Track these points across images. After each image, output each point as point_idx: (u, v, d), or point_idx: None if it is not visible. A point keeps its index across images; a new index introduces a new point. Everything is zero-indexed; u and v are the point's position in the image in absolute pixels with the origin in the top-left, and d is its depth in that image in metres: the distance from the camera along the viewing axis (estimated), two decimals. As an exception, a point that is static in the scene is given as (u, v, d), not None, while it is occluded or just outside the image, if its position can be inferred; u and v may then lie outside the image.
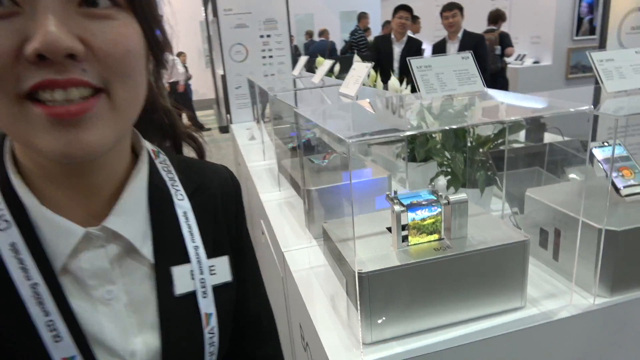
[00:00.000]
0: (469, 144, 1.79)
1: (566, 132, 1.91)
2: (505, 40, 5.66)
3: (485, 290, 0.98)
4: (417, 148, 1.95)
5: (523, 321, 0.98)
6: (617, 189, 1.15)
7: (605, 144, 1.20)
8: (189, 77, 8.63)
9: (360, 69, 1.50)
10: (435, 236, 1.00)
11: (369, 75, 2.40)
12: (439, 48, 4.45)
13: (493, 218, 1.10)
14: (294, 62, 3.42)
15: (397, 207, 0.95)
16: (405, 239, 0.99)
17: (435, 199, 0.98)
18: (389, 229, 1.07)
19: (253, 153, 2.56)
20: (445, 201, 0.98)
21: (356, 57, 2.55)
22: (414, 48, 4.47)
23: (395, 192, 0.97)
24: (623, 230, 0.99)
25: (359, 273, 0.89)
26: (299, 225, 1.56)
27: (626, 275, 1.03)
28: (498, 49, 5.55)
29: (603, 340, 1.05)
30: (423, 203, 0.97)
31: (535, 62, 7.11)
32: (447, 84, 1.13)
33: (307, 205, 1.40)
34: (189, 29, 10.90)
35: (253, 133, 2.95)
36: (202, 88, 11.15)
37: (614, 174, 1.16)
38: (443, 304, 0.96)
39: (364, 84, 2.24)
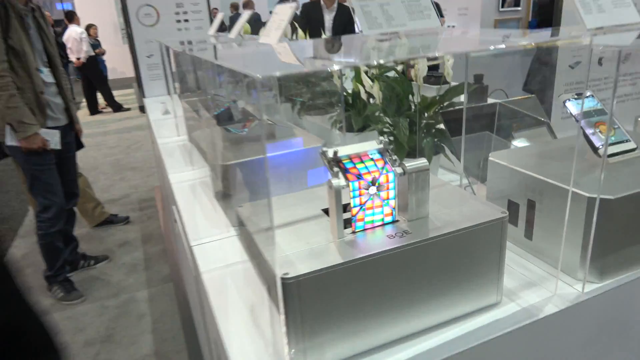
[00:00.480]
0: (412, 108, 1.56)
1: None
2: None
3: (454, 286, 0.74)
4: (355, 115, 1.69)
5: (502, 323, 0.75)
6: (594, 149, 0.95)
7: (575, 96, 1.00)
8: (102, 52, 7.82)
9: (284, 11, 1.20)
10: (388, 217, 0.74)
11: (296, 33, 2.09)
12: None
13: (456, 190, 0.86)
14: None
15: (335, 181, 0.67)
16: (348, 223, 0.72)
17: (388, 162, 0.71)
18: (326, 211, 0.80)
19: (166, 128, 2.19)
20: (399, 170, 0.72)
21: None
22: (345, 16, 4.21)
23: (336, 153, 0.69)
24: (618, 198, 0.79)
25: (283, 279, 0.61)
26: (215, 210, 1.25)
27: (620, 254, 0.83)
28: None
29: (597, 337, 0.85)
30: (372, 171, 0.70)
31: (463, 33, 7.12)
32: (395, 18, 0.86)
33: (223, 185, 1.09)
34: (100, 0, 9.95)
35: (167, 107, 2.56)
36: (120, 66, 10.25)
37: (590, 131, 0.96)
38: (400, 310, 0.71)
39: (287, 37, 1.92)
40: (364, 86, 1.64)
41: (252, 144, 1.25)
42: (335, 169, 0.68)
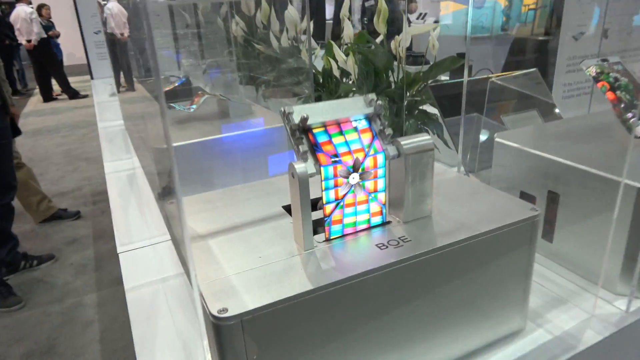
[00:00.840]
0: (392, 85, 1.35)
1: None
2: (406, -4, 5.37)
3: (467, 311, 0.53)
4: (326, 96, 1.47)
5: (529, 358, 0.55)
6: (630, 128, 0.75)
7: (601, 62, 0.80)
8: (56, 35, 7.29)
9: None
10: (376, 218, 0.52)
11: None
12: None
13: (464, 179, 0.65)
14: None
15: (300, 166, 0.45)
16: (320, 227, 0.50)
17: (377, 137, 0.49)
18: (289, 210, 0.57)
19: (111, 111, 1.91)
20: (392, 150, 0.50)
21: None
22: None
23: (305, 119, 0.46)
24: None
25: (216, 318, 0.38)
26: (154, 207, 1.00)
27: (675, 262, 0.64)
28: (402, 4, 5.25)
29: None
30: (355, 150, 0.48)
31: (435, 22, 6.98)
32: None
33: (157, 173, 0.86)
34: (56, -22, 9.35)
35: (115, 88, 2.27)
36: (78, 51, 9.68)
37: (624, 106, 0.77)
38: (395, 350, 0.49)
39: None
40: (336, 61, 1.41)
41: (202, 124, 1.01)
42: (302, 147, 0.45)
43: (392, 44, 1.35)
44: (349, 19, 1.48)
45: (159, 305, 0.68)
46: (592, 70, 0.76)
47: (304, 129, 0.45)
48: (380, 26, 1.26)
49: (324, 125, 0.46)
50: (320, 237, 0.50)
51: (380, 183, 0.51)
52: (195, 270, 0.37)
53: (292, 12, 1.71)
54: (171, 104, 1.06)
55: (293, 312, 0.41)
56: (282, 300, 0.40)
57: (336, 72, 1.42)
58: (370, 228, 0.52)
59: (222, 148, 0.91)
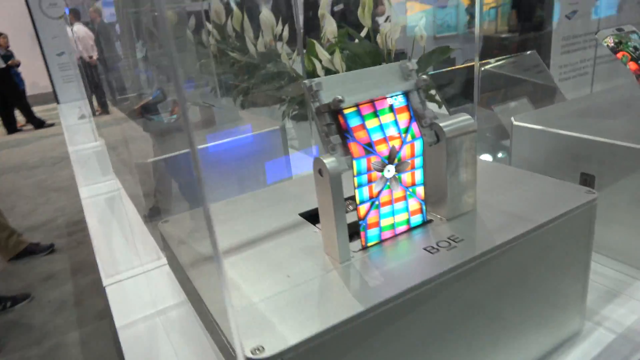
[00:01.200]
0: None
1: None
2: None
3: (528, 315, 0.45)
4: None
5: (601, 365, 0.48)
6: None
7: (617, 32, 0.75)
8: (16, 64, 7.04)
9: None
10: (416, 217, 0.44)
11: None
12: None
13: (495, 165, 0.58)
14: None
15: (330, 161, 0.37)
16: (354, 233, 0.42)
17: (414, 119, 0.42)
18: (309, 217, 0.49)
19: (81, 134, 1.79)
20: (432, 136, 0.42)
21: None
22: None
23: (341, 101, 0.37)
24: None
25: (253, 365, 0.30)
26: (142, 230, 0.90)
27: None
28: None
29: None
30: (390, 137, 0.40)
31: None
32: None
33: (143, 192, 0.76)
34: (13, 5, 9.09)
35: (83, 111, 2.16)
36: (42, 79, 9.40)
37: None
38: (456, 372, 0.41)
39: None
40: (320, 61, 1.34)
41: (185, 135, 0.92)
42: (333, 137, 0.37)
43: (379, 38, 1.28)
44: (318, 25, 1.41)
45: (160, 343, 0.58)
46: (610, 41, 0.70)
47: (334, 111, 0.37)
48: (366, 19, 1.19)
49: (357, 105, 0.38)
50: (355, 245, 0.42)
51: (418, 175, 0.43)
52: (230, 296, 0.28)
53: (267, 15, 1.64)
54: (150, 117, 0.97)
55: (344, 342, 0.33)
56: (328, 330, 0.32)
57: (320, 72, 1.35)
58: (410, 230, 0.44)
59: (212, 158, 0.82)
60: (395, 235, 0.43)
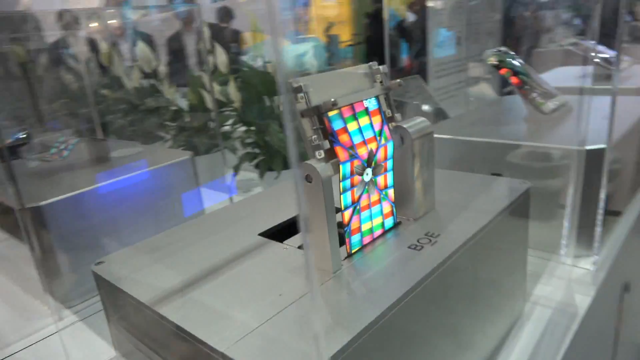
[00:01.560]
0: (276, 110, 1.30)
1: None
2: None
3: (484, 302, 0.48)
4: (198, 137, 1.36)
5: (546, 339, 0.53)
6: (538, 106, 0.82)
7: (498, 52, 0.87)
8: None
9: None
10: (389, 220, 0.44)
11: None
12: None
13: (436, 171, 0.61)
14: None
15: (321, 166, 0.35)
16: (341, 238, 0.40)
17: (385, 122, 0.42)
18: (271, 235, 0.46)
19: None
20: (397, 139, 0.44)
21: None
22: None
23: (334, 103, 0.35)
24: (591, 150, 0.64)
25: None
26: (32, 290, 0.76)
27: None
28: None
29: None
30: (368, 139, 0.40)
31: (267, 61, 7.25)
32: None
33: (34, 245, 0.64)
34: None
35: None
36: None
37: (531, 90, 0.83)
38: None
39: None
40: (211, 93, 1.31)
41: (81, 172, 0.81)
42: (322, 141, 0.36)
43: (270, 67, 1.30)
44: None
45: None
46: (494, 60, 0.81)
47: (319, 114, 0.36)
48: (258, 48, 1.20)
49: (339, 107, 0.37)
50: (343, 252, 0.40)
51: (389, 178, 0.44)
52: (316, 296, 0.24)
53: (143, 48, 1.55)
54: (31, 157, 0.83)
55: (372, 344, 0.31)
56: (351, 341, 0.30)
57: (210, 105, 1.32)
58: (385, 232, 0.44)
59: (114, 197, 0.73)
60: (374, 239, 0.43)
